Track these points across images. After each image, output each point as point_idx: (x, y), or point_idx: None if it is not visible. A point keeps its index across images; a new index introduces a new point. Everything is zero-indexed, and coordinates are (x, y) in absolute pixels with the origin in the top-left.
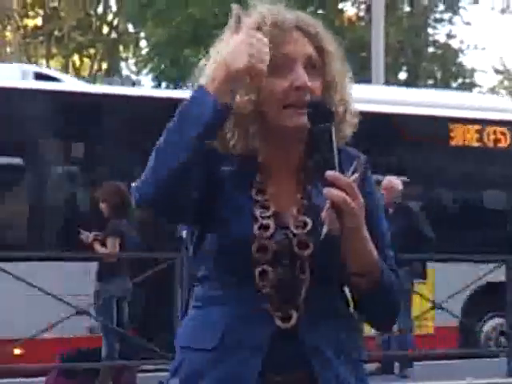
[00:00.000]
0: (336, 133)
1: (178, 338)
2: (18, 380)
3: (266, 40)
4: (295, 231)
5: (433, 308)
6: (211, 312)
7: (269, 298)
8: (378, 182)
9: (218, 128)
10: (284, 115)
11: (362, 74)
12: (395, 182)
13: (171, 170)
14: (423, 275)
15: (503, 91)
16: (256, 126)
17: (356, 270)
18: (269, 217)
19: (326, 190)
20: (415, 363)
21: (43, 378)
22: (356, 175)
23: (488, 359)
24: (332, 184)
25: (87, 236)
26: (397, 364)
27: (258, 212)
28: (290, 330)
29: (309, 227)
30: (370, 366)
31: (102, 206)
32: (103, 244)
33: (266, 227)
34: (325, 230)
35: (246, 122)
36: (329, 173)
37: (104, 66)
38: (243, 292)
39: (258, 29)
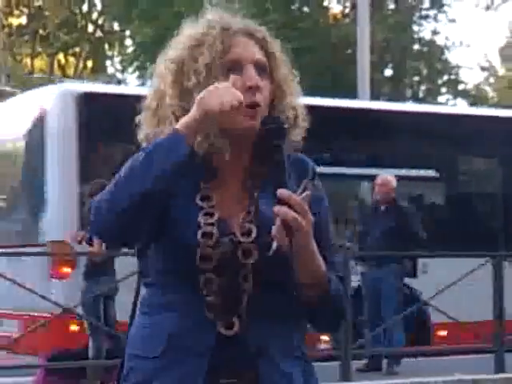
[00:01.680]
0: (287, 141)
1: (127, 345)
2: (5, 380)
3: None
4: (240, 239)
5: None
6: (158, 319)
7: (212, 306)
8: (372, 178)
9: (184, 165)
10: (235, 118)
11: (348, 71)
12: (389, 178)
13: (131, 202)
14: (413, 273)
15: (488, 88)
16: (216, 126)
17: (305, 281)
18: (212, 224)
19: (277, 208)
20: (404, 359)
21: (30, 378)
22: (306, 193)
23: (476, 355)
24: (283, 202)
25: (76, 234)
26: (385, 361)
27: (201, 219)
28: (235, 336)
29: (253, 235)
30: (358, 363)
31: (88, 204)
32: (90, 243)
33: (209, 235)
34: (274, 246)
35: (206, 123)
36: (280, 191)
37: (89, 64)
38: (188, 299)
39: (207, 34)
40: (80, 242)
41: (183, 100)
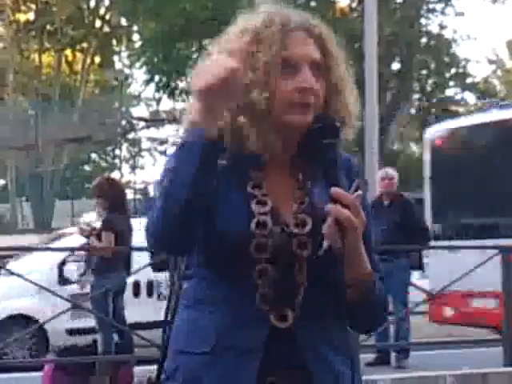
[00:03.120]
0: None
1: (171, 341)
2: (15, 375)
3: (225, 58)
4: (295, 230)
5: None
6: (204, 313)
7: (265, 298)
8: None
9: (215, 158)
10: (289, 112)
11: (355, 66)
12: (392, 172)
13: (178, 212)
14: (420, 266)
15: (496, 81)
16: (271, 122)
17: (350, 282)
18: (266, 213)
19: (331, 207)
20: (412, 353)
21: (40, 373)
22: (359, 192)
23: (484, 349)
24: (336, 201)
25: (83, 230)
26: (393, 355)
27: (255, 208)
28: (286, 330)
29: (309, 227)
30: (367, 357)
31: (98, 201)
32: (99, 238)
33: (263, 224)
34: (325, 245)
35: (262, 119)
36: (334, 189)
37: (97, 59)
38: (237, 291)
39: (266, 28)
40: (88, 237)
41: (241, 96)
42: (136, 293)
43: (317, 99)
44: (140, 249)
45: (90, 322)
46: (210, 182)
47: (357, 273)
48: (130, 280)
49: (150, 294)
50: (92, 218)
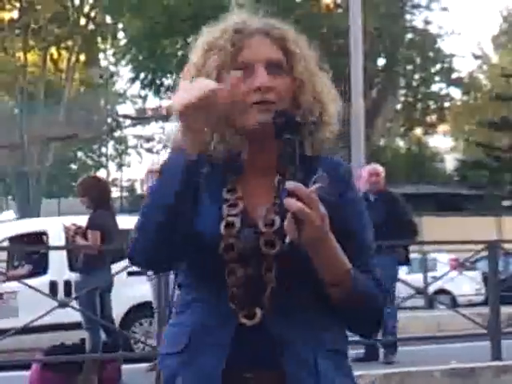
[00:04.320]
0: (311, 138)
1: (161, 346)
2: (2, 374)
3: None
4: (263, 229)
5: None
6: (184, 316)
7: (234, 297)
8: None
9: (195, 177)
10: (247, 114)
11: (340, 61)
12: (378, 168)
13: (156, 233)
14: (407, 261)
15: (481, 76)
16: (230, 127)
17: (327, 279)
18: (235, 215)
19: (286, 200)
20: (399, 348)
21: (27, 372)
22: (316, 185)
23: (472, 343)
24: (292, 194)
25: (69, 228)
26: (381, 350)
27: (225, 210)
28: (256, 327)
29: (276, 226)
30: (355, 353)
31: (83, 200)
32: (85, 237)
33: (232, 225)
34: (287, 239)
35: (221, 124)
36: (289, 183)
37: (82, 57)
38: (210, 292)
39: (220, 36)
40: (73, 236)
41: None
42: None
43: (277, 97)
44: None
45: (2, 323)
46: (188, 203)
47: (329, 269)
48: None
49: None
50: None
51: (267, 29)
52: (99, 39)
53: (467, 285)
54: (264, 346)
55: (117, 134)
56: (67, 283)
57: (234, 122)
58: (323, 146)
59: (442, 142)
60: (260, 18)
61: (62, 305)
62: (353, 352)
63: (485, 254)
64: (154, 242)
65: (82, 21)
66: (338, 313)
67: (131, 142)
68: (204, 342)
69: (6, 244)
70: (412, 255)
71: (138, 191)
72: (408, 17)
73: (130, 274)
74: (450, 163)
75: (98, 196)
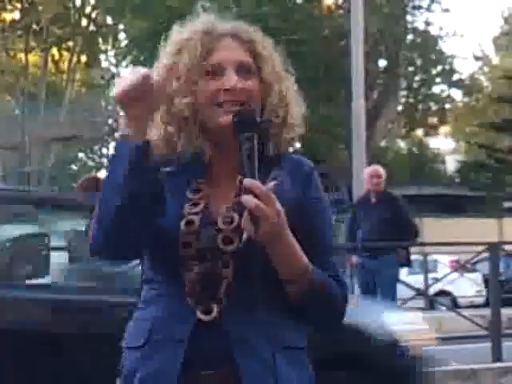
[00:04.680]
0: (275, 139)
1: (123, 339)
2: None
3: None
4: (221, 227)
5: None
6: (146, 311)
7: (191, 293)
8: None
9: (144, 163)
10: (215, 114)
11: (342, 62)
12: (379, 170)
13: (113, 218)
14: (408, 262)
15: (483, 77)
16: (197, 127)
17: (284, 276)
18: (196, 213)
19: (243, 198)
20: None
21: None
22: (273, 183)
23: (473, 345)
24: (248, 191)
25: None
26: None
27: (186, 209)
28: (214, 323)
29: (235, 223)
30: None
31: None
32: None
33: (191, 223)
34: (245, 235)
35: (188, 125)
36: (246, 180)
37: (83, 58)
38: (171, 288)
39: (190, 37)
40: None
41: (168, 105)
42: None
43: (248, 98)
44: None
45: None
46: (143, 187)
47: (287, 267)
48: None
49: None
50: None
51: (236, 31)
52: (100, 40)
53: (468, 286)
54: (221, 342)
55: (118, 134)
56: None
57: (203, 122)
58: (287, 146)
59: (444, 144)
60: (228, 21)
61: None
62: None
63: (486, 255)
64: (112, 227)
65: (84, 22)
66: (296, 310)
67: None
68: (163, 337)
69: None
70: (413, 256)
71: None
72: (409, 18)
73: None
74: (451, 165)
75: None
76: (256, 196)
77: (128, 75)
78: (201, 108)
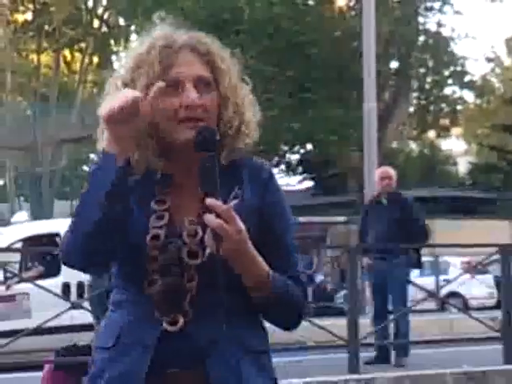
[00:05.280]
0: (227, 149)
1: (94, 340)
2: (15, 375)
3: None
4: (186, 240)
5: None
6: (114, 315)
7: (156, 305)
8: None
9: (125, 181)
10: (176, 130)
11: (353, 64)
12: (390, 171)
13: (89, 231)
14: (419, 264)
15: (494, 79)
16: (153, 142)
17: (248, 284)
18: (161, 227)
19: (205, 217)
20: (411, 351)
21: (39, 373)
22: (234, 201)
23: (484, 347)
24: (210, 210)
25: None
26: (393, 353)
27: (152, 222)
28: (180, 333)
29: (199, 237)
30: (367, 356)
31: None
32: None
33: (157, 237)
34: (207, 251)
35: (144, 140)
36: (208, 200)
37: (95, 59)
38: (136, 298)
39: (148, 52)
40: None
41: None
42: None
43: (205, 113)
44: None
45: (15, 324)
46: (121, 204)
47: (250, 276)
48: None
49: None
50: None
51: (193, 44)
52: (112, 41)
53: (479, 288)
54: (187, 351)
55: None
56: (80, 285)
57: (160, 138)
58: (240, 154)
59: (455, 145)
60: (184, 32)
61: (76, 306)
62: (364, 355)
63: (497, 257)
64: (88, 240)
65: (96, 23)
66: (260, 313)
67: None
68: (131, 341)
69: (19, 245)
70: (424, 258)
71: None
72: (421, 20)
73: None
74: (462, 166)
75: None
76: (218, 215)
77: (117, 96)
78: (160, 124)
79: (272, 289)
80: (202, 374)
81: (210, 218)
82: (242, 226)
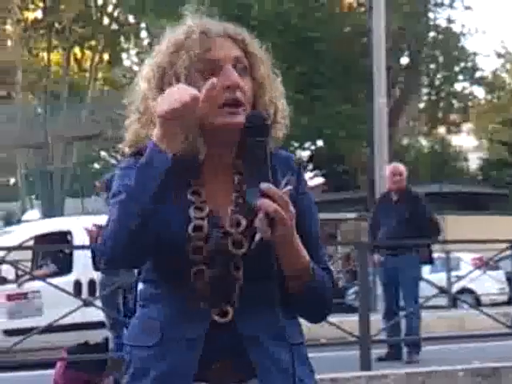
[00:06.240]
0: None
1: (125, 337)
2: (27, 373)
3: (186, 87)
4: (230, 230)
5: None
6: (152, 310)
7: (204, 296)
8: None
9: (170, 177)
10: (219, 115)
11: (363, 60)
12: (400, 167)
13: (133, 230)
14: (430, 260)
15: (505, 74)
16: (195, 128)
17: (289, 273)
18: (203, 218)
19: (260, 201)
20: (422, 348)
21: (53, 371)
22: (289, 187)
23: (496, 343)
24: (266, 195)
25: (91, 230)
26: (405, 349)
27: (192, 213)
28: (228, 324)
29: (243, 226)
30: (379, 352)
31: (104, 196)
32: None
33: (200, 228)
34: (257, 237)
35: (185, 125)
36: (263, 185)
37: (105, 57)
38: (181, 290)
39: (188, 37)
40: (96, 238)
41: None
42: None
43: (244, 96)
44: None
45: (27, 322)
46: (163, 200)
47: (293, 264)
48: None
49: None
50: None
51: (229, 32)
52: (122, 39)
53: (491, 284)
54: (233, 342)
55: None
56: (91, 282)
57: (201, 122)
58: (275, 145)
59: (466, 141)
60: (217, 22)
61: (87, 304)
62: (376, 351)
63: (509, 253)
64: (134, 236)
65: (106, 20)
66: (293, 304)
67: None
68: (175, 336)
69: (30, 243)
70: (435, 254)
71: None
72: (431, 15)
73: None
74: (473, 162)
75: None
76: (274, 200)
77: (175, 93)
78: (202, 109)
79: (313, 276)
80: (245, 363)
81: (266, 203)
82: (294, 212)
